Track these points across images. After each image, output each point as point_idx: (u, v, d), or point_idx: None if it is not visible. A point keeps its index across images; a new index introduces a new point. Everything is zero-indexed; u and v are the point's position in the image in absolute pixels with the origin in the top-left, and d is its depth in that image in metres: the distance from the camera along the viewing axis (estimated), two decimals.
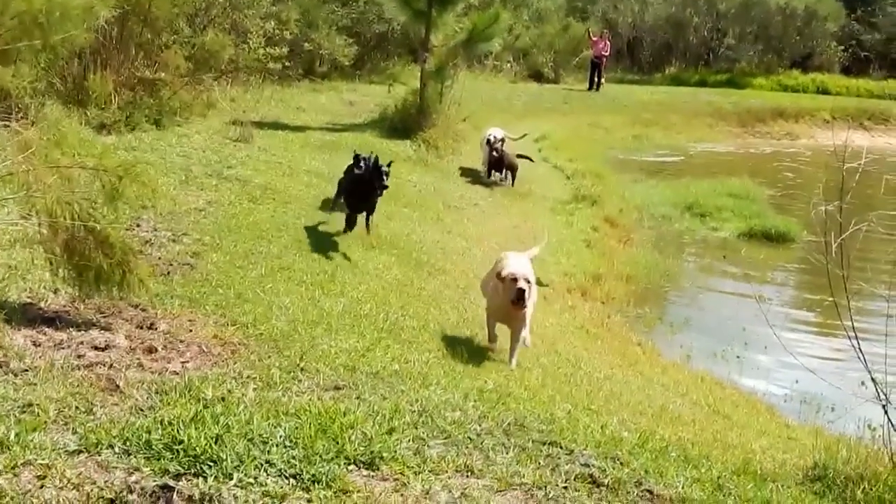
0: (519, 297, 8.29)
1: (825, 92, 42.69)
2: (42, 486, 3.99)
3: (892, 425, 6.49)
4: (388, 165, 10.94)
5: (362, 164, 11.06)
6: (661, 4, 47.43)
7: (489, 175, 18.17)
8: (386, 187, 10.91)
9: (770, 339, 9.30)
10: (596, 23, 43.48)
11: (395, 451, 4.80)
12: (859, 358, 6.73)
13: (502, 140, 18.21)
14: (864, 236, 8.01)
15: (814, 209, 7.70)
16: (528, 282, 8.40)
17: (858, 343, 6.81)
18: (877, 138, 32.69)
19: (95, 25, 11.25)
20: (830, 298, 7.23)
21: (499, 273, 8.59)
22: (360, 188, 11.08)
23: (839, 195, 7.19)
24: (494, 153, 17.78)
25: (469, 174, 18.60)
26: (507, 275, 8.41)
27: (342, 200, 11.72)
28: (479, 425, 5.45)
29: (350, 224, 11.22)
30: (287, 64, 22.64)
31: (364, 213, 11.44)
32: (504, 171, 18.43)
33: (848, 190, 7.20)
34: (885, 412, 6.54)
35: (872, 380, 6.64)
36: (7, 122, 8.51)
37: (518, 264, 8.71)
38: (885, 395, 6.58)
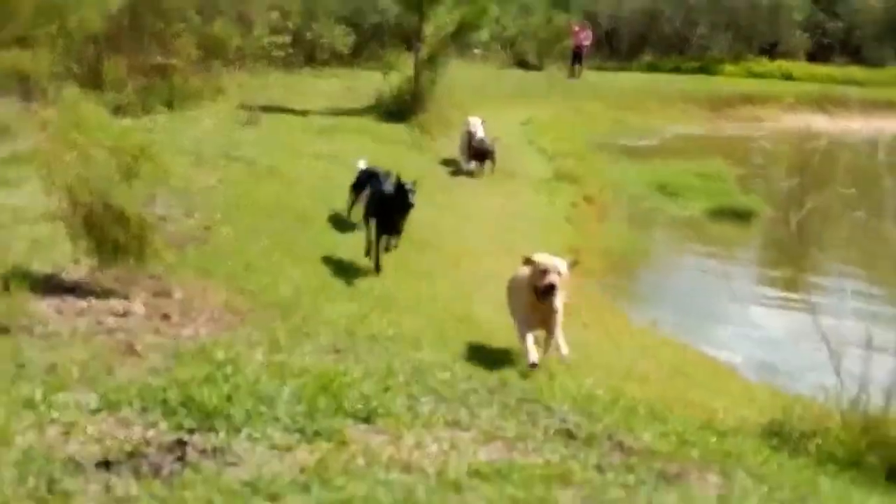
0: (547, 290, 7.28)
1: (790, 78, 42.62)
2: (66, 442, 4.04)
3: (842, 384, 6.59)
4: (414, 184, 9.86)
5: (382, 179, 10.38)
6: None
7: (468, 163, 17.51)
8: (412, 205, 9.70)
9: (733, 309, 9.39)
10: (577, 14, 43.37)
11: (390, 408, 4.87)
12: (814, 324, 6.82)
13: (483, 122, 17.70)
14: (823, 213, 8.09)
15: (776, 186, 7.76)
16: (559, 274, 7.39)
17: (814, 311, 6.90)
18: (837, 121, 32.63)
19: (108, 13, 11.23)
20: (791, 270, 7.31)
21: (528, 262, 7.51)
22: (388, 209, 9.72)
23: (801, 174, 7.27)
24: (475, 144, 17.23)
25: (453, 164, 18.00)
26: (537, 263, 7.39)
27: (368, 223, 10.03)
28: (466, 384, 5.51)
29: (375, 251, 9.61)
30: (290, 52, 22.61)
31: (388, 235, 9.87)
32: (485, 160, 17.51)
33: (808, 169, 7.28)
34: (837, 374, 6.63)
35: (827, 343, 6.73)
36: (28, 104, 8.54)
37: (547, 257, 7.54)
38: (838, 358, 6.67)
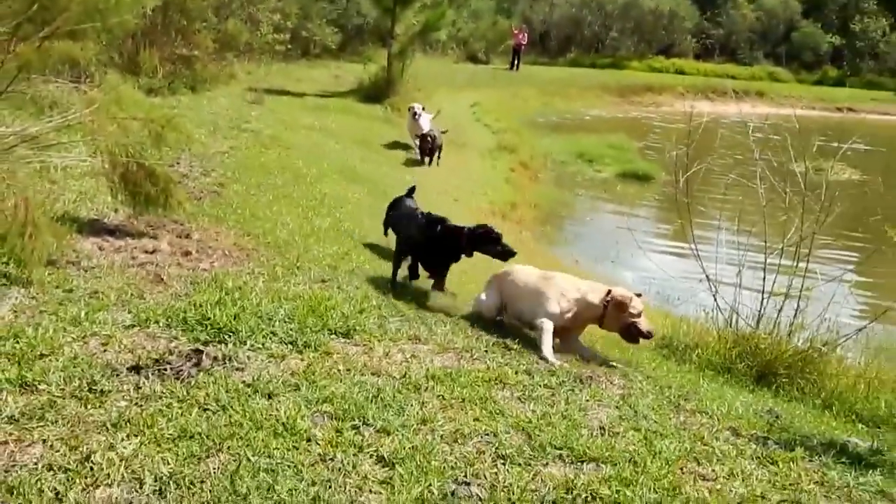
0: (649, 335, 5.45)
1: (681, 72, 42.80)
2: (105, 351, 4.00)
3: (719, 308, 6.66)
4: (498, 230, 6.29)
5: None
6: (565, 6, 47.32)
7: (422, 159, 14.72)
8: (513, 254, 6.17)
9: (635, 250, 9.40)
10: (517, 19, 43.17)
11: (365, 325, 4.85)
12: (697, 260, 6.87)
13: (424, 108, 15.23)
14: (704, 176, 8.10)
15: (668, 155, 7.76)
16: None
17: (698, 255, 6.95)
18: (717, 106, 32.70)
19: (143, 13, 10.97)
20: (680, 222, 7.32)
21: (616, 301, 5.30)
22: (438, 251, 6.32)
23: (687, 145, 7.28)
24: (428, 139, 14.44)
25: (398, 146, 16.01)
26: (632, 300, 5.36)
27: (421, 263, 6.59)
28: (426, 308, 5.49)
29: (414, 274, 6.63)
30: (289, 46, 22.38)
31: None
32: (433, 153, 14.64)
33: (693, 141, 7.29)
34: (715, 300, 6.70)
35: (707, 277, 6.79)
36: (77, 85, 8.32)
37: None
38: (715, 288, 6.73)
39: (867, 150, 19.13)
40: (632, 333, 5.40)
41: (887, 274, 9.96)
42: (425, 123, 14.85)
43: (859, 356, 6.69)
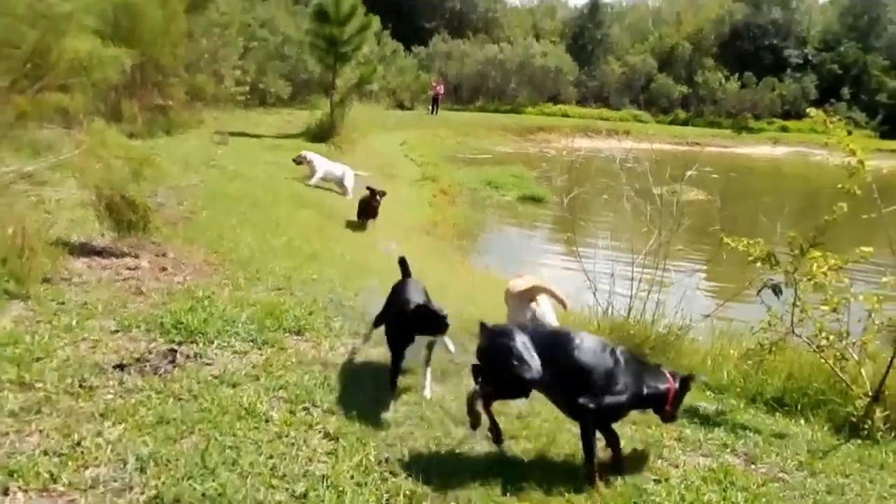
0: None
1: (566, 115, 43.61)
2: (93, 353, 3.89)
3: (598, 303, 6.79)
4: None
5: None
6: (473, 63, 47.83)
7: (359, 219, 10.89)
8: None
9: (533, 260, 9.51)
10: (435, 73, 43.45)
11: (314, 325, 4.81)
12: (581, 266, 7.00)
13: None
14: (584, 198, 8.22)
15: (555, 181, 7.89)
16: None
17: (580, 256, 7.08)
18: (594, 142, 33.39)
19: (123, 69, 10.63)
20: (566, 235, 7.43)
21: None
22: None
23: (569, 173, 7.41)
24: (374, 202, 10.71)
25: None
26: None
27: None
28: (363, 309, 5.44)
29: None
30: (248, 97, 22.07)
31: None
32: (369, 217, 10.82)
33: (575, 170, 7.43)
34: (594, 295, 6.83)
35: (588, 278, 6.92)
36: (68, 131, 8.04)
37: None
38: (595, 286, 6.87)
39: (708, 176, 19.81)
40: None
41: (725, 274, 10.31)
42: (324, 166, 12.93)
43: (708, 338, 6.90)
